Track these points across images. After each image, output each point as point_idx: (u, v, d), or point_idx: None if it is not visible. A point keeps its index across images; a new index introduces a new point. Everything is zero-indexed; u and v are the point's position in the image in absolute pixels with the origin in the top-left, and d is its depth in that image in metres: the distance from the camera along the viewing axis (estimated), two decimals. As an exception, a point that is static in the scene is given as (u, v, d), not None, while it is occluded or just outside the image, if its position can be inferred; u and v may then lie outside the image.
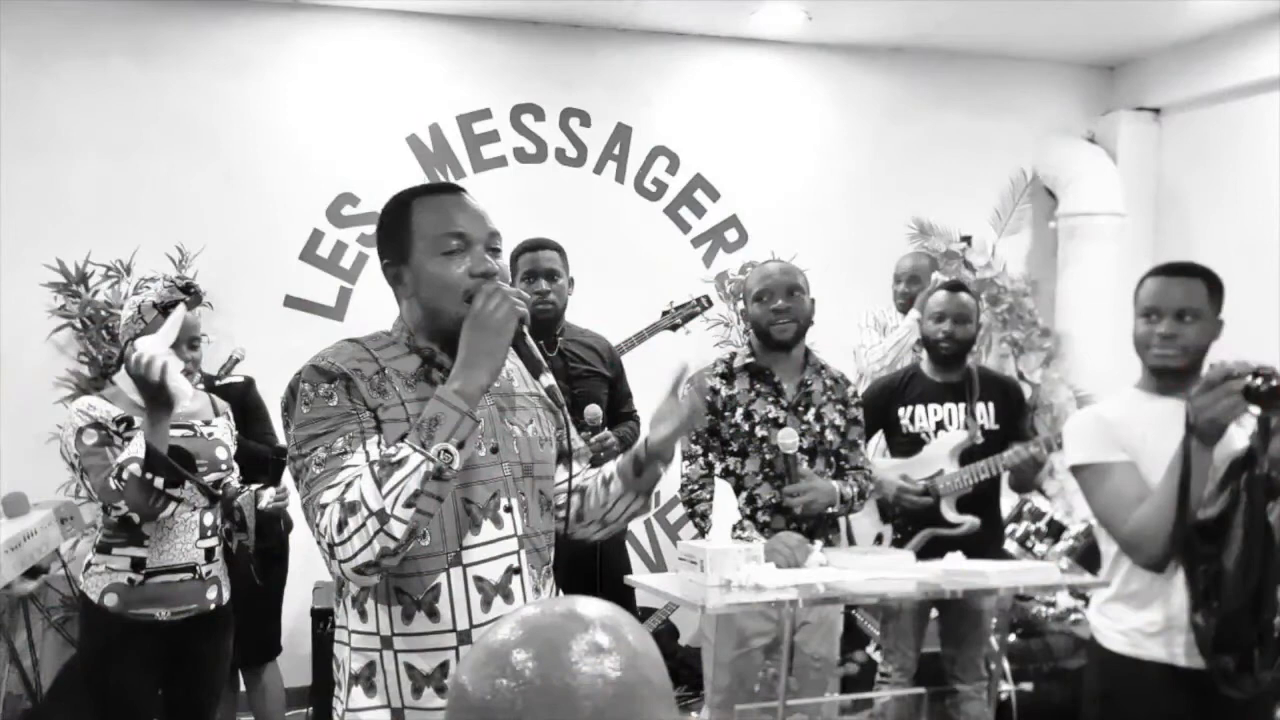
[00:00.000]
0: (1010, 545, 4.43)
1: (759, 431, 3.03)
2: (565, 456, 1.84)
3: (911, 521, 3.38)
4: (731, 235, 5.37)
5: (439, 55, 5.03)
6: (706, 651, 3.18)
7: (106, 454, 2.68)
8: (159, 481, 2.57)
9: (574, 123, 5.17)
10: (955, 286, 3.54)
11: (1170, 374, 2.28)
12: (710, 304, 4.34)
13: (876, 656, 3.98)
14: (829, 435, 3.09)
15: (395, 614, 1.62)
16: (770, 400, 3.06)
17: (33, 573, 3.72)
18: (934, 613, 3.51)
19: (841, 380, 3.20)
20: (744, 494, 3.00)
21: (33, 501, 3.73)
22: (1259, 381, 1.96)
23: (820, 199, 5.44)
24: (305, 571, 3.88)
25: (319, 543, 1.56)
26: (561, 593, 1.78)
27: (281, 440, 2.25)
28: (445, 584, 1.63)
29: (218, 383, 3.60)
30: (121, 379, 2.80)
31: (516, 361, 1.81)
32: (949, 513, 3.36)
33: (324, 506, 1.54)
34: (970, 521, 3.33)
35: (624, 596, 3.26)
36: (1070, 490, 4.66)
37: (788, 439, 2.96)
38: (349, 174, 4.86)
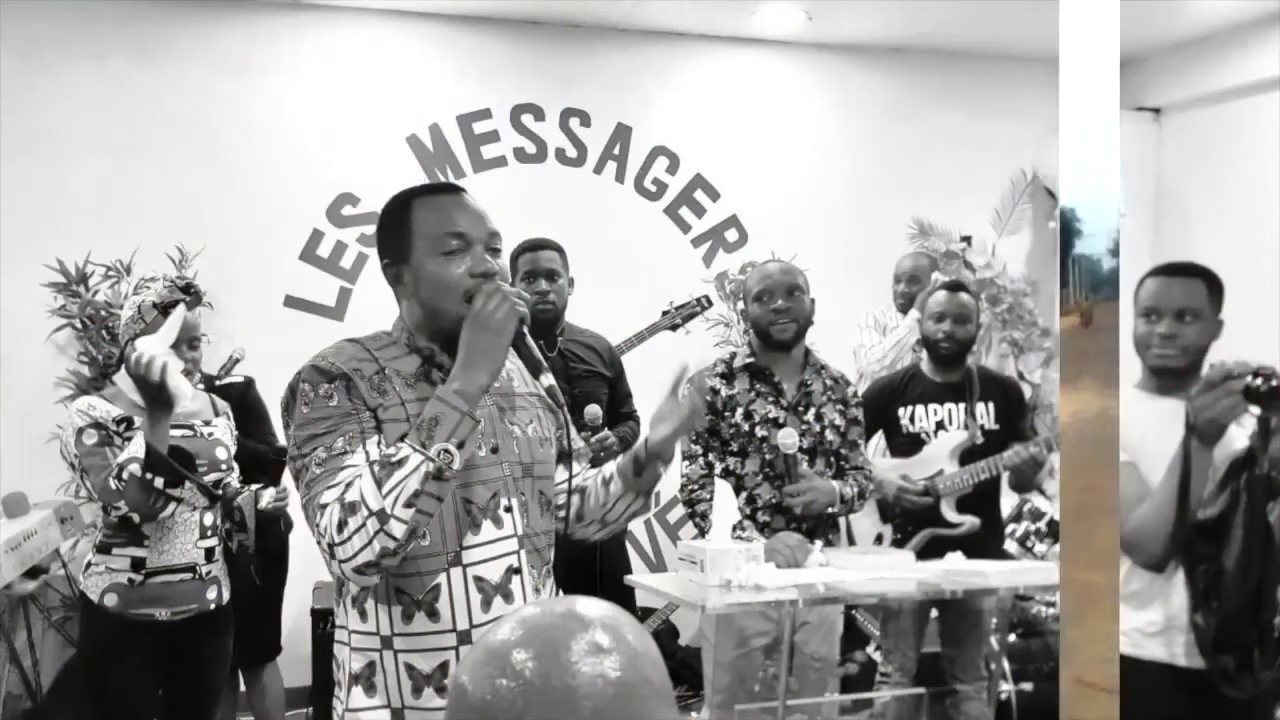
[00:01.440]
0: (1010, 545, 4.42)
1: (759, 431, 3.02)
2: (565, 456, 1.84)
3: (911, 521, 3.38)
4: (731, 235, 5.37)
5: (439, 55, 5.03)
6: (706, 651, 3.18)
7: (106, 454, 2.67)
8: (159, 481, 2.57)
9: (574, 123, 5.16)
10: (955, 286, 3.54)
11: (1170, 374, 2.28)
12: (710, 304, 4.34)
13: (876, 656, 3.98)
14: (829, 435, 3.08)
15: (395, 614, 1.62)
16: (770, 400, 3.06)
17: (33, 573, 3.71)
18: (934, 613, 3.50)
19: (841, 380, 3.20)
20: (744, 494, 3.00)
21: (33, 501, 3.72)
22: (1259, 381, 1.95)
23: (820, 199, 5.43)
24: (305, 571, 3.88)
25: (319, 543, 1.56)
26: (561, 593, 1.78)
27: (281, 440, 2.25)
28: (445, 584, 1.63)
29: (218, 383, 3.60)
30: (121, 379, 2.80)
31: (516, 361, 1.81)
32: (949, 513, 3.35)
33: (324, 506, 1.54)
34: (970, 521, 3.33)
35: (624, 596, 3.26)
36: (1070, 490, 4.65)
37: (788, 439, 2.95)
38: (349, 174, 4.86)
